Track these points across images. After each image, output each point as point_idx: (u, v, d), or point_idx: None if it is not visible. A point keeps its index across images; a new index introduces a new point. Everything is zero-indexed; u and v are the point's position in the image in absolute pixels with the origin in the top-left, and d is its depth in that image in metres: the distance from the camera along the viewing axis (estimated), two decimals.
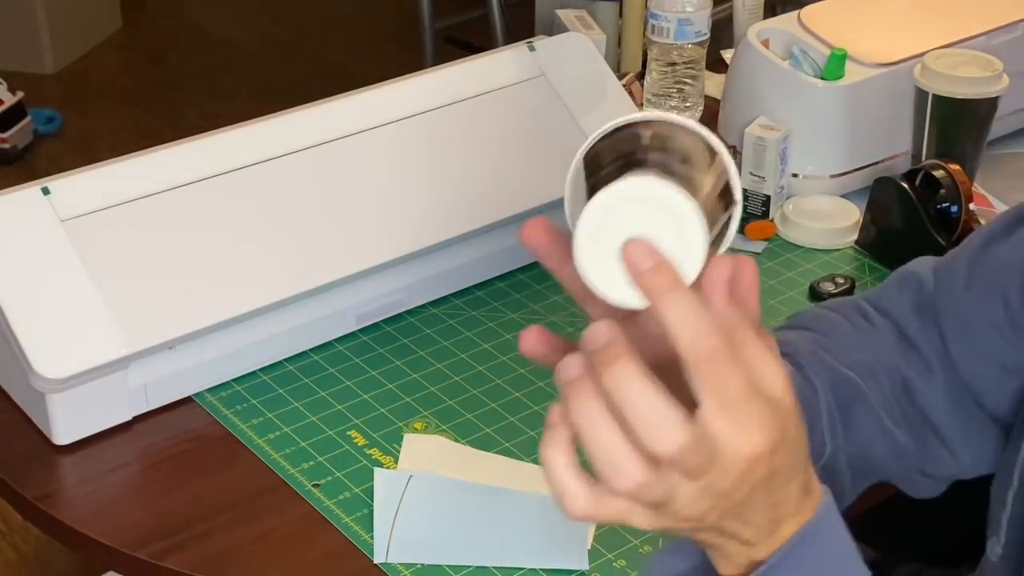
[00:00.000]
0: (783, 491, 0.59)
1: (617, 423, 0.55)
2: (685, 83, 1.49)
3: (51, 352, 1.01)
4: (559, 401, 0.57)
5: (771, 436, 0.56)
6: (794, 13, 1.44)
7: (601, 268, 0.57)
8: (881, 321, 0.88)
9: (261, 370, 1.13)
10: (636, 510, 0.58)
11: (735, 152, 1.36)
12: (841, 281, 1.24)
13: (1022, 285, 0.82)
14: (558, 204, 1.24)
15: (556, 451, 0.58)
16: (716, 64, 1.60)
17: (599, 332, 0.56)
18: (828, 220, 1.33)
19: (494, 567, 0.95)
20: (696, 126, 0.60)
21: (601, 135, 0.61)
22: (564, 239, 0.60)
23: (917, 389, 0.85)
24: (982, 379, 0.84)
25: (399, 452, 1.05)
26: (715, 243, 0.59)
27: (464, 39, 2.97)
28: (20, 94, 2.96)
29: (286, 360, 1.14)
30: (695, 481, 0.56)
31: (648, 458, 0.55)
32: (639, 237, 0.56)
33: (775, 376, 0.57)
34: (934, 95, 1.30)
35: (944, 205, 1.24)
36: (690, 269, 0.57)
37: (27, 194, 1.05)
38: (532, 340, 0.61)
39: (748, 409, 0.55)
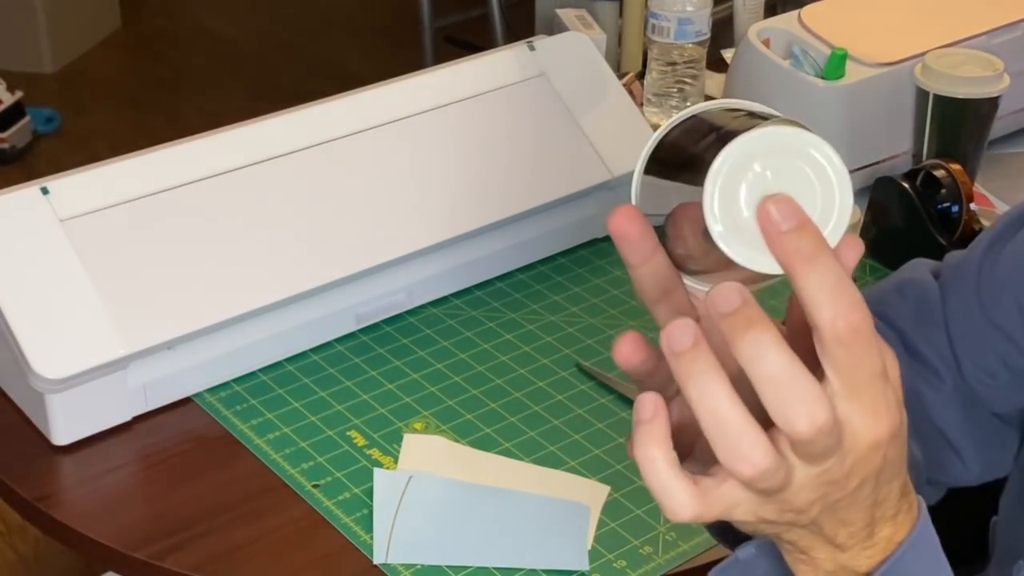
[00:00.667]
0: (886, 489, 0.55)
1: (740, 401, 0.50)
2: (685, 83, 1.49)
3: (50, 352, 1.00)
4: (645, 393, 0.52)
5: (892, 424, 0.52)
6: (794, 13, 1.44)
7: (730, 226, 0.49)
8: (885, 330, 0.86)
9: (261, 370, 1.13)
10: (744, 501, 0.53)
11: None
12: None
13: None
14: (558, 204, 1.24)
15: (655, 450, 0.52)
16: (716, 64, 1.60)
17: (730, 295, 0.49)
18: None
19: (494, 567, 0.95)
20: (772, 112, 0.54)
21: (688, 116, 0.55)
22: (653, 232, 0.54)
23: (926, 398, 0.83)
24: (992, 385, 0.83)
25: (399, 452, 1.05)
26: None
27: (464, 38, 2.97)
28: (19, 93, 2.96)
29: (286, 360, 1.14)
30: (813, 467, 0.52)
31: (771, 441, 0.51)
32: (780, 193, 0.49)
33: (894, 362, 0.53)
34: (935, 95, 1.29)
35: (945, 205, 1.23)
36: (832, 236, 0.50)
37: (26, 194, 1.05)
38: (628, 349, 0.55)
39: (875, 393, 0.51)
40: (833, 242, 0.50)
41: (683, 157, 0.53)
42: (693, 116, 0.55)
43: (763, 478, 0.51)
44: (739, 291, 0.49)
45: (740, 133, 0.49)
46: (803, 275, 0.49)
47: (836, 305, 0.49)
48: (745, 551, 0.62)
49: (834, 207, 0.50)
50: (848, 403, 0.51)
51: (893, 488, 0.56)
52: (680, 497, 0.52)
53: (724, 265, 0.52)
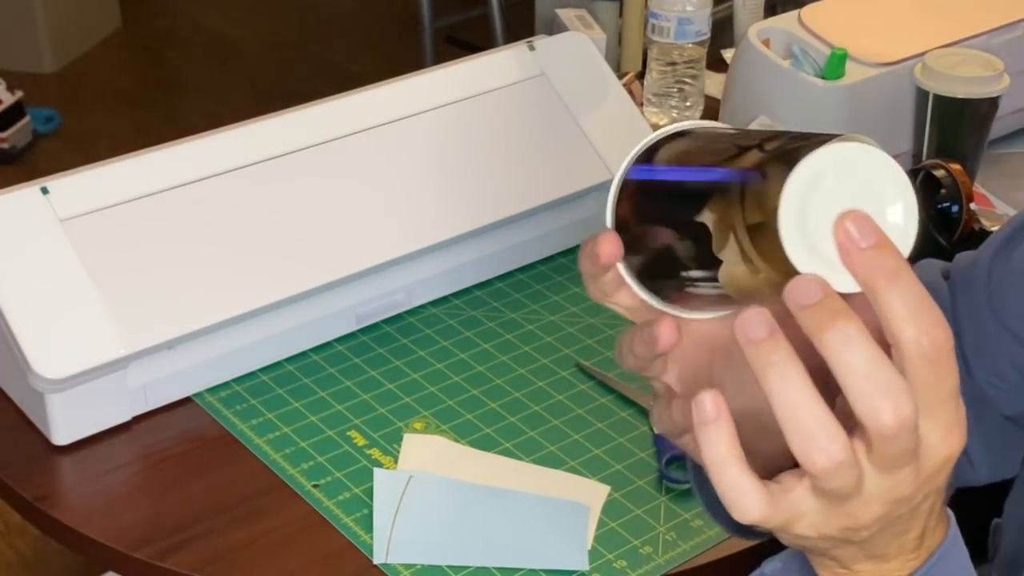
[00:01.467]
0: (940, 501, 0.55)
1: (817, 392, 0.49)
2: (685, 83, 1.49)
3: (50, 352, 1.00)
4: (704, 393, 0.51)
5: (962, 442, 0.52)
6: (794, 12, 1.44)
7: (802, 245, 0.49)
8: None
9: (261, 370, 1.13)
10: (810, 512, 0.52)
11: None
12: None
13: None
14: (557, 204, 1.24)
15: (725, 448, 0.51)
16: (716, 64, 1.60)
17: (811, 288, 0.48)
18: None
19: (494, 567, 0.95)
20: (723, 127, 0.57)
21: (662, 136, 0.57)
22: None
23: None
24: (1002, 387, 0.83)
25: (399, 452, 1.05)
26: None
27: (464, 38, 2.97)
28: (19, 93, 2.96)
29: (286, 360, 1.14)
30: (887, 477, 0.51)
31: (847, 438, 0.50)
32: (855, 209, 0.48)
33: (958, 379, 0.53)
34: (935, 95, 1.29)
35: (945, 205, 1.23)
36: (904, 251, 0.50)
37: (26, 194, 1.05)
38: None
39: (951, 411, 0.51)
40: (905, 256, 0.50)
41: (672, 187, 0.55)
42: (679, 134, 0.56)
43: (836, 473, 0.50)
44: (820, 283, 0.48)
45: (789, 151, 0.49)
46: (886, 292, 0.48)
47: (920, 322, 0.48)
48: (771, 566, 0.62)
49: (903, 227, 0.49)
50: (926, 420, 0.50)
51: (941, 498, 0.56)
52: (752, 496, 0.51)
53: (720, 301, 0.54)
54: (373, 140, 1.18)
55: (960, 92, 1.29)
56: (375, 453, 1.05)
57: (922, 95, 1.31)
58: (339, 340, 1.16)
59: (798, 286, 0.48)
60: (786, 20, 1.43)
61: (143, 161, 1.11)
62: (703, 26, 1.47)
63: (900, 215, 0.49)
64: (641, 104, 1.49)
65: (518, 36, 1.50)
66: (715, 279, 0.53)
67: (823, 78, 1.35)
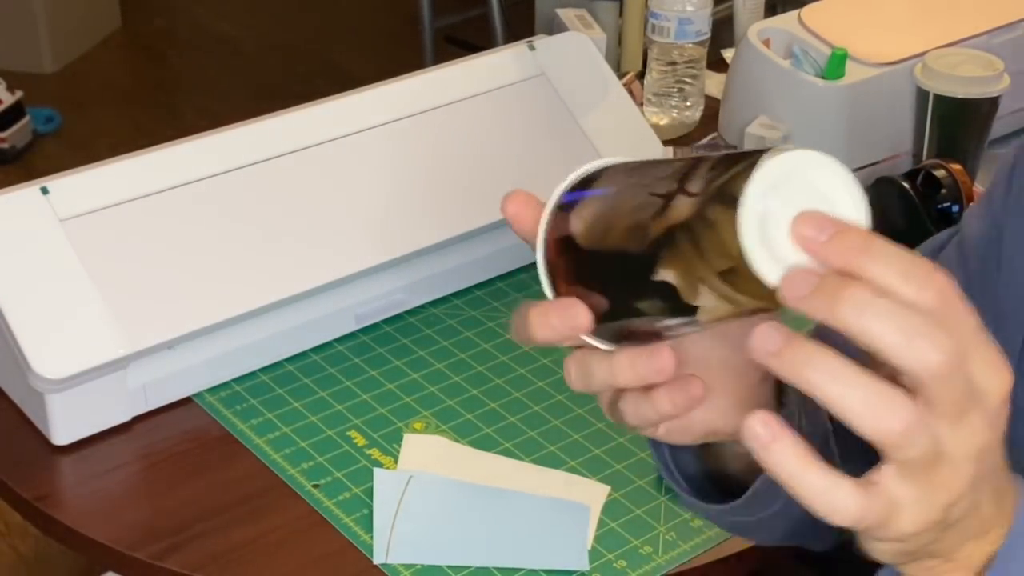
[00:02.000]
0: (1003, 453, 0.53)
1: (858, 365, 0.48)
2: (685, 82, 1.49)
3: (50, 352, 1.00)
4: (754, 415, 0.49)
5: (1010, 377, 0.50)
6: (795, 12, 1.44)
7: (781, 269, 0.48)
8: None
9: (261, 370, 1.13)
10: (908, 500, 0.50)
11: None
12: None
13: None
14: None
15: (795, 459, 0.49)
16: (716, 63, 1.60)
17: (772, 334, 0.49)
18: None
19: (494, 568, 0.95)
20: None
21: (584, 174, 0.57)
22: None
23: None
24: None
25: (399, 452, 1.05)
26: None
27: (464, 38, 2.97)
28: (19, 93, 2.96)
29: (286, 360, 1.14)
30: (958, 424, 0.49)
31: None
32: (803, 211, 0.48)
33: (977, 316, 0.51)
34: (935, 95, 1.29)
35: (945, 205, 1.23)
36: None
37: (26, 194, 1.05)
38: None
39: (986, 346, 0.49)
40: None
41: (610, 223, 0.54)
42: (599, 170, 0.56)
43: (913, 437, 0.48)
44: (776, 330, 0.49)
45: (721, 188, 0.49)
46: (866, 266, 0.47)
47: (913, 279, 0.48)
48: None
49: (855, 209, 0.49)
50: (968, 363, 0.48)
51: (1003, 450, 0.53)
52: (843, 490, 0.49)
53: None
54: (373, 140, 1.18)
55: (960, 92, 1.29)
56: (375, 453, 1.05)
57: (922, 95, 1.31)
58: (339, 340, 1.16)
59: (759, 338, 0.49)
60: (786, 20, 1.43)
61: (143, 161, 1.11)
62: (703, 26, 1.47)
63: (850, 204, 0.49)
64: (641, 104, 1.49)
65: (518, 36, 1.50)
66: (695, 323, 0.52)
67: (823, 78, 1.35)
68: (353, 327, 1.17)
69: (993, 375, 0.50)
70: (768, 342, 0.49)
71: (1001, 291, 0.77)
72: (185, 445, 1.06)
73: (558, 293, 0.58)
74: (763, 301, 0.49)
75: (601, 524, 0.99)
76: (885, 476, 0.50)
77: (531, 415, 1.09)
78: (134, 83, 3.34)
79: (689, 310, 0.51)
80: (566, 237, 0.56)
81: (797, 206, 0.48)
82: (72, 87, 3.28)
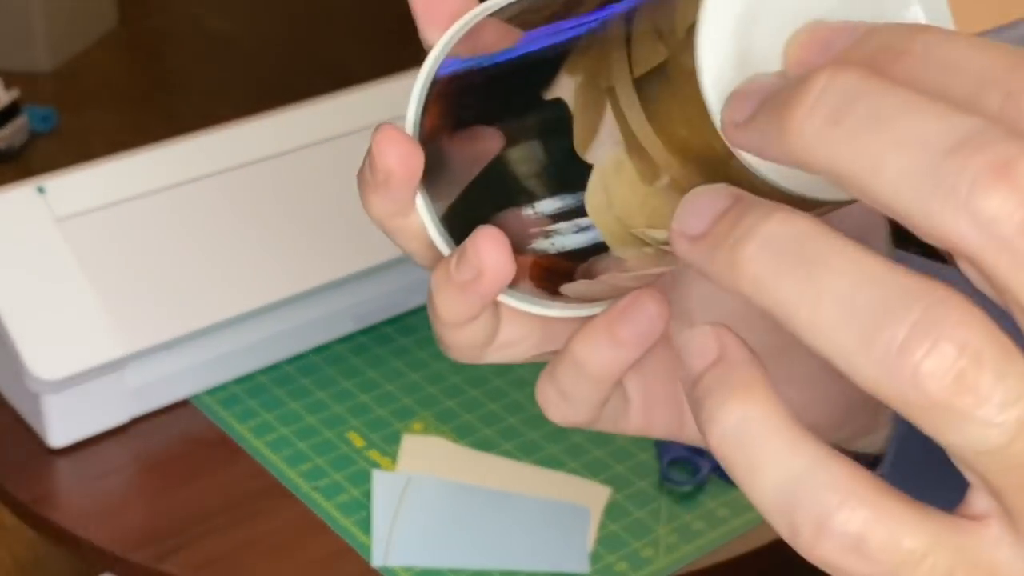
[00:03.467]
0: None
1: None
2: None
3: (46, 353, 1.00)
4: (704, 328, 0.29)
5: None
6: None
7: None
8: None
9: (259, 371, 1.12)
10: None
11: None
12: None
13: None
14: None
15: (758, 403, 0.28)
16: None
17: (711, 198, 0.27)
18: None
19: (494, 570, 0.94)
20: None
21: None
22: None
23: None
24: None
25: (398, 454, 1.04)
26: None
27: None
28: (15, 92, 2.95)
29: (284, 361, 1.13)
30: None
31: None
32: (798, 29, 0.28)
33: None
34: None
35: None
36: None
37: (22, 193, 1.04)
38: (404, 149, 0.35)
39: None
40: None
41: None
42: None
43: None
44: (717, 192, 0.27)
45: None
46: (910, 69, 0.26)
47: (994, 64, 0.26)
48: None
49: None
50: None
51: None
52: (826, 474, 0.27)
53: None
54: None
55: None
56: (374, 455, 1.04)
57: None
58: (338, 341, 1.16)
59: (689, 206, 0.27)
60: None
61: (140, 160, 1.10)
62: None
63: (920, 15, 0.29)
64: None
65: None
66: (580, 211, 0.32)
67: None
68: (352, 328, 1.16)
69: None
70: (688, 224, 0.27)
71: None
72: (183, 447, 1.05)
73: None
74: (682, 160, 0.29)
75: (602, 526, 0.98)
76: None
77: (531, 416, 1.09)
78: (131, 82, 3.33)
79: (576, 179, 0.31)
80: (457, 74, 0.35)
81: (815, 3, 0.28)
82: (69, 86, 3.27)
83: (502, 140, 0.33)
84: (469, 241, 0.34)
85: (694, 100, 0.28)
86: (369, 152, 0.35)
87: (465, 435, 1.07)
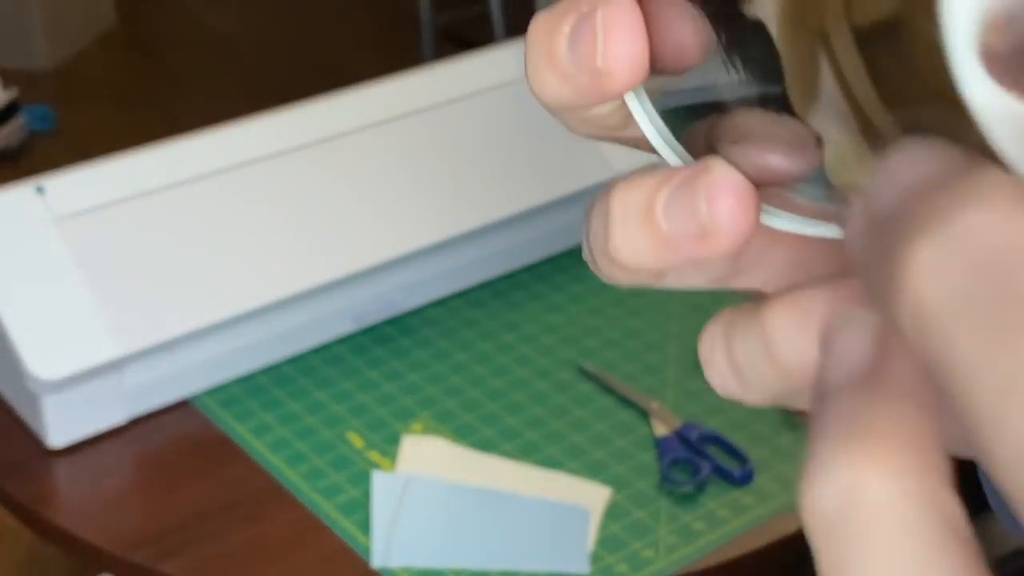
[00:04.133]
0: None
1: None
2: None
3: (45, 353, 1.00)
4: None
5: None
6: None
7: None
8: None
9: (258, 371, 1.12)
10: None
11: None
12: None
13: None
14: (558, 203, 1.23)
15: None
16: None
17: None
18: None
19: (494, 571, 0.94)
20: None
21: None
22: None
23: None
24: None
25: (398, 454, 1.04)
26: None
27: (464, 36, 2.97)
28: (13, 91, 2.95)
29: (283, 362, 1.13)
30: None
31: None
32: None
33: None
34: None
35: None
36: None
37: (21, 193, 1.04)
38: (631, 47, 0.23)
39: None
40: None
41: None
42: None
43: None
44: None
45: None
46: None
47: None
48: None
49: None
50: None
51: None
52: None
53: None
54: (372, 138, 1.17)
55: None
56: (374, 455, 1.04)
57: None
58: (337, 341, 1.16)
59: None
60: None
61: (139, 160, 1.10)
62: None
63: None
64: None
65: (518, 33, 1.50)
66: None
67: None
68: (351, 328, 1.16)
69: None
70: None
71: None
72: (181, 447, 1.05)
73: None
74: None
75: (602, 527, 0.98)
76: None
77: (532, 417, 1.08)
78: (130, 81, 3.33)
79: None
80: None
81: None
82: (67, 85, 3.27)
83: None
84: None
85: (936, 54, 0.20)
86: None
87: (465, 436, 1.06)
